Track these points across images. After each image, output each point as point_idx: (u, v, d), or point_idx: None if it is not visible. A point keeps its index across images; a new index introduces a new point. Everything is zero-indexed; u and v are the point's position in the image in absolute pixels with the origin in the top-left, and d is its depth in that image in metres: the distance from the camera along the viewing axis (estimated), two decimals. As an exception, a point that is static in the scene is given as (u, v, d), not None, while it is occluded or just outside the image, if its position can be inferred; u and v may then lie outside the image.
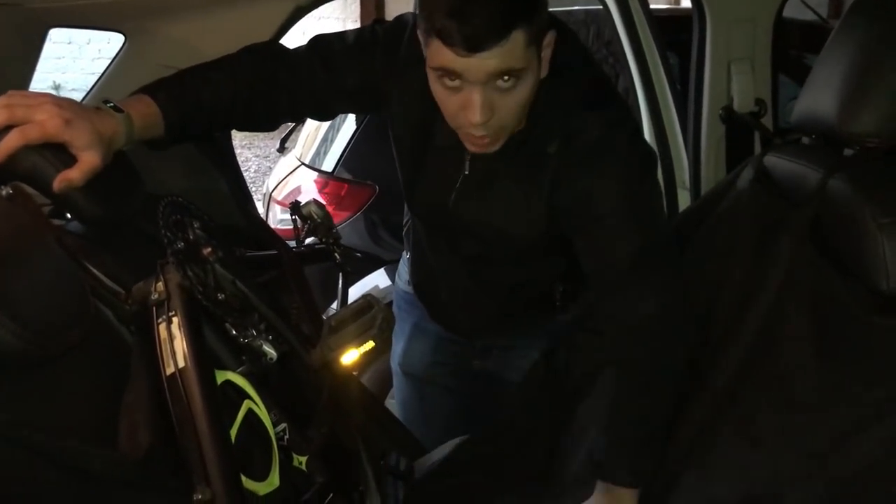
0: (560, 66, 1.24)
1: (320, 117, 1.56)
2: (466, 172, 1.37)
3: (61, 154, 1.08)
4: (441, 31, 1.09)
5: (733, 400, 1.36)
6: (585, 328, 1.57)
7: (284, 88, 1.35)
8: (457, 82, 1.15)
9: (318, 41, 1.38)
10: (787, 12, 2.01)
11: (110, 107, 1.15)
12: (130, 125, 1.16)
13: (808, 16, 3.77)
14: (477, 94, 1.14)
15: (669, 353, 1.36)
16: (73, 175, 1.07)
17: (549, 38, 1.20)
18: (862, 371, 1.19)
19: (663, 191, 2.21)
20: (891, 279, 1.17)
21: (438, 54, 1.13)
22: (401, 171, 1.48)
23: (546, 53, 1.20)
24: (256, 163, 7.59)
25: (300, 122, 1.44)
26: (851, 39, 1.32)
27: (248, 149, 8.05)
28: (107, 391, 1.00)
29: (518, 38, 1.10)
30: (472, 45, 1.09)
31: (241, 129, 1.44)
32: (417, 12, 1.17)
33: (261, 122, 1.40)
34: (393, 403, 2.21)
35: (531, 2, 1.13)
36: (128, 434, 0.95)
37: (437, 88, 1.19)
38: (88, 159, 1.08)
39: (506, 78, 1.14)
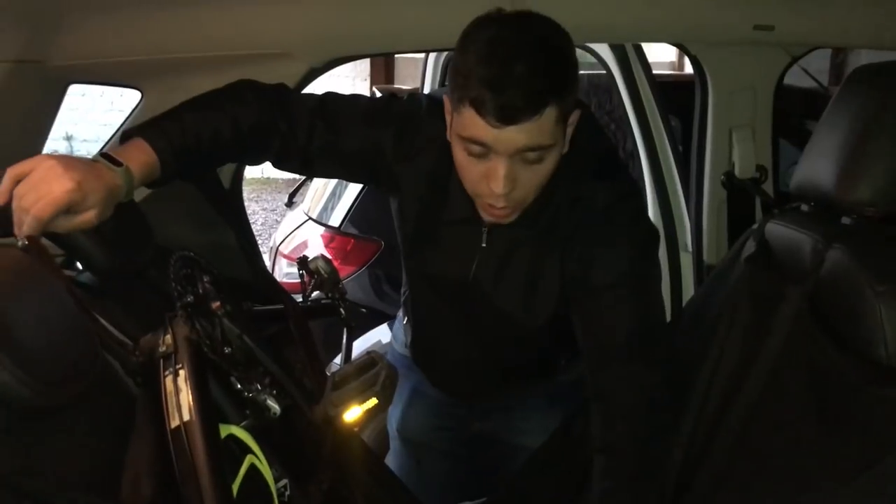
0: (574, 135, 1.25)
1: (301, 171, 1.52)
2: (484, 245, 1.37)
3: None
4: (475, 100, 1.10)
5: (731, 473, 1.36)
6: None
7: (279, 136, 1.33)
8: (483, 153, 1.15)
9: (328, 100, 1.37)
10: (789, 80, 2.06)
11: (108, 160, 1.15)
12: (130, 178, 1.16)
13: (809, 83, 3.84)
14: (502, 165, 1.14)
15: (653, 439, 1.34)
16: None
17: (575, 116, 1.20)
18: (861, 442, 1.19)
19: (666, 254, 2.24)
20: (889, 347, 1.17)
21: (470, 124, 1.13)
22: (405, 246, 1.48)
23: (569, 131, 1.21)
24: (263, 216, 7.65)
25: (281, 168, 1.42)
26: (849, 108, 1.34)
27: (256, 202, 8.12)
28: (111, 442, 1.00)
29: (550, 114, 1.11)
30: (507, 118, 1.09)
31: (229, 162, 1.44)
32: (449, 78, 1.17)
33: (244, 160, 1.43)
34: (390, 463, 2.19)
35: (565, 80, 1.13)
36: (131, 486, 0.95)
37: (460, 156, 1.19)
38: (87, 217, 1.10)
39: (532, 155, 1.14)
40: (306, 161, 1.38)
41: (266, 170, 9.53)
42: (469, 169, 1.19)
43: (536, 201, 1.26)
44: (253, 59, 1.53)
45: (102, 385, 1.06)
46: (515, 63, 1.08)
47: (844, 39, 1.81)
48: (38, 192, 1.06)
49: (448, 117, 1.21)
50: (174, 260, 1.17)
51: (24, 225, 1.06)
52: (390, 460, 1.98)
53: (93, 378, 1.00)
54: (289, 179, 7.59)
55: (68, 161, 1.10)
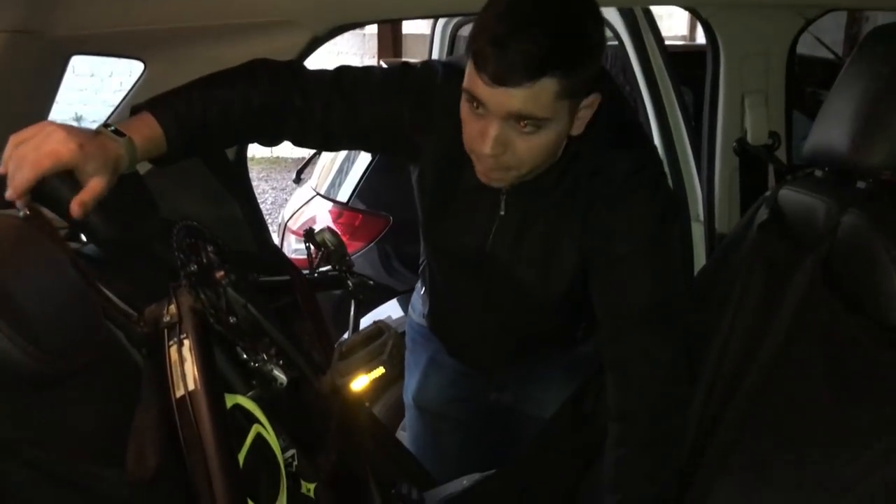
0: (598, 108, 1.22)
1: (321, 147, 1.52)
2: (502, 213, 1.36)
3: (74, 179, 1.09)
4: (476, 54, 1.09)
5: (744, 441, 1.35)
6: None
7: (296, 113, 1.32)
8: (480, 110, 1.14)
9: (342, 73, 1.35)
10: (803, 50, 2.02)
11: (112, 131, 1.14)
12: (132, 149, 1.15)
13: (824, 53, 3.80)
14: (494, 127, 1.13)
15: (669, 410, 1.34)
16: (87, 198, 1.07)
17: (592, 99, 1.18)
18: (876, 409, 1.17)
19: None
20: (905, 312, 1.16)
21: (470, 77, 1.12)
22: (423, 212, 1.46)
23: (584, 114, 1.18)
24: (273, 195, 7.65)
25: (301, 146, 1.41)
26: (864, 72, 1.32)
27: (265, 181, 8.12)
28: (116, 413, 1.00)
29: (548, 86, 1.08)
30: (499, 78, 1.08)
31: (239, 143, 1.42)
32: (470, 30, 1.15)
33: (261, 140, 1.38)
34: (404, 436, 2.19)
35: (574, 56, 1.10)
36: (136, 456, 0.94)
37: (464, 109, 1.19)
38: (96, 184, 1.08)
39: (523, 124, 1.12)
40: (325, 137, 1.37)
41: (275, 149, 9.55)
42: (468, 124, 1.19)
43: (553, 169, 1.24)
44: (256, 28, 1.51)
45: (107, 355, 1.05)
46: (525, 26, 1.07)
47: (859, 1, 1.77)
48: (39, 148, 1.04)
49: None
50: (177, 230, 1.16)
51: (17, 177, 1.03)
52: (406, 430, 1.97)
53: (97, 348, 0.99)
54: (298, 158, 7.58)
55: (71, 127, 1.09)
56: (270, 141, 1.39)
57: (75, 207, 1.07)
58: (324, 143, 1.42)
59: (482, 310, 1.56)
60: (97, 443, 0.96)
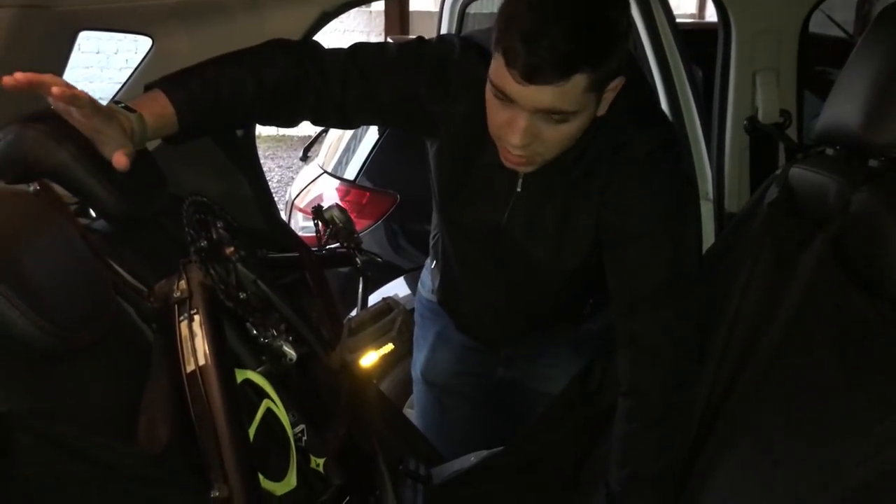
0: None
1: (341, 125, 1.52)
2: (519, 190, 1.36)
3: (82, 154, 1.09)
4: (507, 51, 1.08)
5: (754, 419, 1.35)
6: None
7: (314, 91, 1.32)
8: (507, 101, 1.13)
9: (358, 49, 1.35)
10: (814, 28, 2.00)
11: (122, 107, 1.15)
12: (143, 126, 1.16)
13: (836, 32, 3.76)
14: (523, 119, 1.13)
15: (680, 386, 1.35)
16: (121, 159, 1.10)
17: (617, 82, 1.17)
18: (885, 389, 1.17)
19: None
20: (917, 292, 1.15)
21: (499, 72, 1.11)
22: (439, 187, 1.46)
23: (609, 96, 1.18)
24: (279, 173, 7.64)
25: (320, 125, 1.41)
26: (877, 50, 1.30)
27: (272, 159, 8.11)
28: (127, 387, 1.01)
29: (578, 82, 1.08)
30: (531, 77, 1.07)
31: (257, 123, 1.43)
32: (497, 18, 1.13)
33: (279, 121, 1.39)
34: (411, 413, 2.20)
35: (604, 49, 1.09)
36: (147, 430, 0.95)
37: (490, 98, 1.18)
38: (122, 156, 1.10)
39: (555, 117, 1.12)
40: (345, 114, 1.37)
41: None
42: (494, 112, 1.18)
43: (573, 148, 1.24)
44: (264, 3, 1.50)
45: (118, 330, 1.06)
46: (555, 23, 1.05)
47: (874, -23, 1.76)
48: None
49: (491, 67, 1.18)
50: (187, 205, 1.16)
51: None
52: (414, 405, 1.98)
53: (107, 323, 1.00)
54: (304, 136, 7.56)
55: (103, 105, 1.11)
56: (288, 121, 1.39)
57: (118, 158, 1.09)
58: (343, 120, 1.42)
59: (494, 284, 1.57)
60: (109, 416, 0.97)
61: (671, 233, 1.29)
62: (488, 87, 1.16)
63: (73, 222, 1.17)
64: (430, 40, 1.38)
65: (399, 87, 1.33)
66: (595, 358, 1.66)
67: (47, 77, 1.03)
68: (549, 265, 1.43)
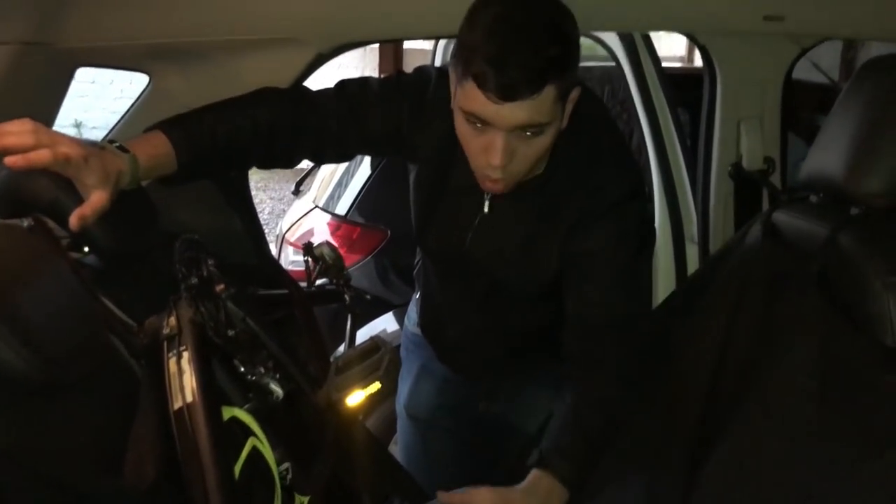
0: (581, 116, 1.27)
1: (340, 160, 1.59)
2: (486, 211, 1.39)
3: (76, 191, 1.10)
4: (478, 76, 1.12)
5: (735, 450, 1.35)
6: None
7: (311, 131, 1.37)
8: (481, 127, 1.17)
9: (345, 87, 1.40)
10: (799, 74, 2.04)
11: (116, 147, 1.16)
12: (135, 166, 1.17)
13: (820, 78, 3.82)
14: (500, 139, 1.16)
15: (629, 358, 1.38)
16: (87, 212, 1.09)
17: (575, 93, 1.22)
18: (867, 429, 1.18)
19: (672, 245, 2.24)
20: (898, 338, 1.17)
21: (471, 98, 1.15)
22: (415, 212, 1.50)
23: (569, 107, 1.23)
24: (271, 205, 7.65)
25: (320, 163, 1.46)
26: (860, 99, 1.33)
27: (263, 191, 8.12)
28: (115, 423, 1.01)
29: (550, 92, 1.13)
30: (507, 95, 1.11)
31: (256, 167, 1.46)
32: (454, 54, 1.19)
33: (277, 163, 1.42)
34: (397, 449, 2.20)
35: (566, 58, 1.15)
36: (134, 466, 0.96)
37: (462, 128, 1.22)
38: (98, 198, 1.10)
39: (529, 133, 1.17)
40: (342, 148, 1.43)
41: (274, 159, 9.51)
42: (469, 141, 1.22)
43: (541, 176, 1.30)
44: (261, 45, 1.52)
45: (107, 366, 1.06)
46: (518, 41, 1.10)
47: (854, 31, 1.80)
48: (55, 142, 1.05)
49: (453, 87, 1.22)
50: (179, 243, 1.17)
51: (39, 152, 1.02)
52: (398, 439, 1.98)
53: (97, 359, 1.00)
54: (296, 169, 7.56)
55: (78, 139, 1.11)
56: (287, 162, 1.43)
57: (74, 220, 1.08)
58: (341, 154, 1.49)
59: (469, 310, 1.59)
60: (97, 451, 0.97)
61: (628, 278, 1.35)
62: (460, 118, 1.20)
63: (65, 257, 1.18)
64: (409, 73, 1.43)
65: (384, 119, 1.37)
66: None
67: (10, 139, 1.02)
68: (514, 288, 1.47)
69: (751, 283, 1.45)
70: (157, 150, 1.22)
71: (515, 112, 1.13)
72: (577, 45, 1.18)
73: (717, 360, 1.45)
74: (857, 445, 1.15)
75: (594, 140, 1.32)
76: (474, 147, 1.21)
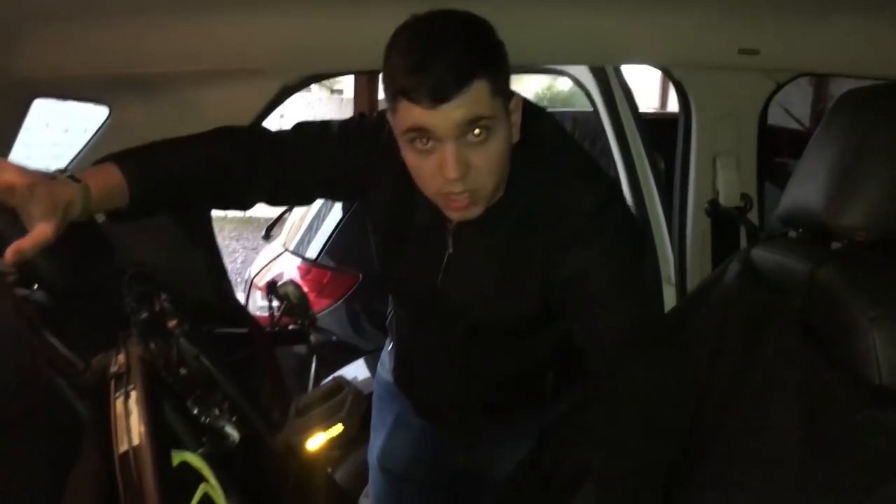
0: (538, 138, 1.25)
1: (297, 201, 1.54)
2: (450, 250, 1.34)
3: (20, 222, 1.05)
4: (405, 88, 1.10)
5: (718, 492, 1.30)
6: (579, 425, 1.51)
7: (267, 171, 1.33)
8: (429, 144, 1.14)
9: (303, 128, 1.37)
10: (772, 121, 2.04)
11: (67, 176, 1.12)
12: (87, 196, 1.13)
13: (792, 125, 3.88)
14: (449, 149, 1.12)
15: (656, 437, 1.29)
16: (26, 245, 1.04)
17: (516, 101, 1.20)
18: (854, 470, 1.13)
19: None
20: (883, 374, 1.13)
21: (406, 114, 1.12)
22: (379, 258, 1.44)
23: (515, 118, 1.20)
24: (244, 254, 7.60)
25: (275, 204, 1.41)
26: (837, 133, 1.32)
27: (237, 240, 8.08)
28: (52, 469, 0.94)
29: (481, 86, 1.11)
30: (437, 96, 1.08)
31: (209, 207, 1.42)
32: (382, 80, 1.17)
33: (232, 202, 1.38)
34: (367, 502, 2.11)
35: (490, 54, 1.14)
36: (70, 514, 0.88)
37: (410, 156, 1.18)
38: (41, 230, 1.05)
39: (476, 131, 1.13)
40: (299, 190, 1.40)
41: (248, 208, 9.52)
42: (421, 168, 1.18)
43: (499, 203, 1.24)
44: (225, 76, 1.50)
45: (46, 407, 1.00)
46: (436, 47, 1.09)
47: (829, 66, 1.79)
48: None
49: (394, 131, 1.20)
50: (128, 276, 1.12)
51: None
52: (369, 492, 1.90)
53: (34, 398, 0.93)
54: (269, 218, 7.56)
55: (24, 168, 1.06)
56: (241, 204, 1.39)
57: (10, 253, 1.03)
58: (297, 196, 1.44)
59: (442, 356, 1.52)
60: (30, 497, 0.90)
61: (630, 285, 1.27)
62: (406, 147, 1.17)
63: (7, 292, 1.11)
64: (370, 115, 1.41)
65: (341, 161, 1.35)
66: (543, 436, 1.60)
67: None
68: (495, 328, 1.41)
69: (729, 326, 1.41)
70: (109, 181, 1.18)
71: (451, 113, 1.10)
72: (499, 46, 1.16)
73: (694, 406, 1.40)
74: (846, 488, 1.10)
75: (554, 161, 1.28)
76: (426, 171, 1.17)
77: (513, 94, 1.20)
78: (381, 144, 1.32)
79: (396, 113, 1.14)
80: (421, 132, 1.13)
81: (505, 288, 1.33)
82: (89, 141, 1.60)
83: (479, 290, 1.35)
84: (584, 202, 1.26)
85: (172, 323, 1.11)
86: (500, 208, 1.26)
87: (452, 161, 1.13)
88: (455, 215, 1.23)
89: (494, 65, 1.13)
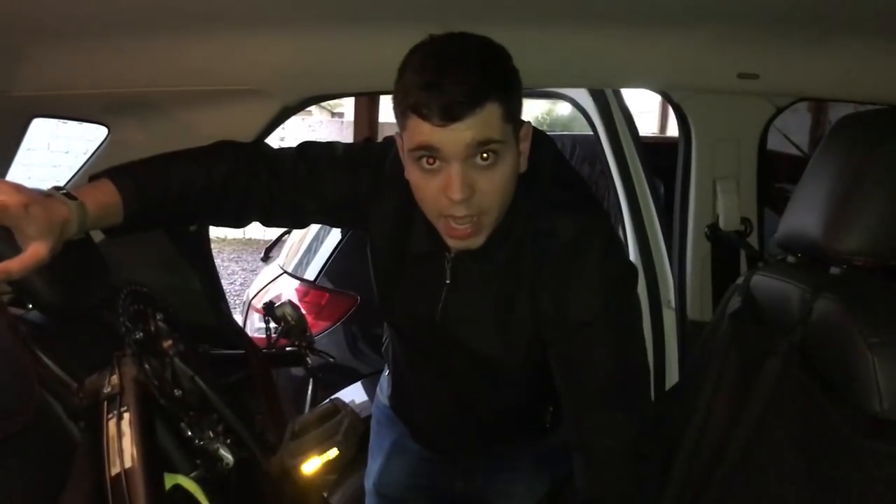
0: (537, 166, 1.23)
1: (292, 224, 1.51)
2: (448, 281, 1.32)
3: (14, 241, 1.04)
4: (416, 104, 1.09)
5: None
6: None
7: (265, 189, 1.32)
8: (435, 164, 1.12)
9: (306, 149, 1.36)
10: (770, 146, 2.04)
11: (63, 194, 1.11)
12: (83, 214, 1.12)
13: (792, 150, 3.88)
14: (456, 169, 1.11)
15: (637, 490, 1.27)
16: (14, 267, 1.03)
17: (526, 129, 1.19)
18: (851, 495, 1.12)
19: (648, 311, 2.19)
20: (884, 401, 1.11)
21: (416, 131, 1.11)
22: (378, 287, 1.42)
23: (524, 146, 1.19)
24: (243, 276, 7.58)
25: (270, 224, 1.39)
26: (835, 158, 1.31)
27: (236, 262, 8.07)
28: (43, 491, 0.93)
29: (493, 109, 1.10)
30: (449, 115, 1.07)
31: (205, 223, 1.40)
32: (393, 105, 1.16)
33: (228, 219, 1.37)
34: (363, 527, 2.08)
35: (505, 78, 1.13)
36: (59, 538, 0.87)
37: (415, 175, 1.16)
38: (35, 250, 1.04)
39: (484, 155, 1.11)
40: (295, 212, 1.37)
41: (247, 230, 9.53)
42: (425, 188, 1.16)
43: (496, 232, 1.22)
44: (224, 95, 1.49)
45: (39, 427, 0.98)
46: (451, 65, 1.09)
47: (829, 91, 1.79)
48: None
49: (402, 153, 1.19)
50: (124, 295, 1.11)
51: None
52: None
53: (26, 418, 0.92)
54: (269, 240, 7.55)
55: (20, 186, 1.05)
56: (237, 220, 1.38)
57: (1, 272, 1.02)
58: (293, 218, 1.41)
59: (443, 390, 1.50)
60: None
61: (611, 324, 1.24)
62: (412, 165, 1.16)
63: (1, 311, 1.10)
64: (377, 142, 1.39)
65: (343, 186, 1.33)
66: (565, 478, 1.58)
67: None
68: (493, 360, 1.37)
69: (728, 362, 1.40)
70: (106, 199, 1.17)
71: (462, 133, 1.09)
72: (514, 73, 1.15)
73: (695, 442, 1.39)
74: None
75: (543, 186, 1.26)
76: (430, 192, 1.15)
77: (523, 122, 1.19)
78: (385, 172, 1.31)
79: (406, 130, 1.13)
80: (429, 150, 1.11)
81: (506, 321, 1.31)
82: (88, 160, 1.59)
83: (479, 322, 1.33)
84: (560, 231, 1.24)
85: (167, 343, 1.11)
86: (498, 236, 1.23)
87: (458, 182, 1.11)
88: (457, 244, 1.21)
89: (508, 90, 1.13)
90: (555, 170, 1.30)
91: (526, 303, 1.28)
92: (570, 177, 1.35)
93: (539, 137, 1.26)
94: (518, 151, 1.18)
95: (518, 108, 1.16)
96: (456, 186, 1.11)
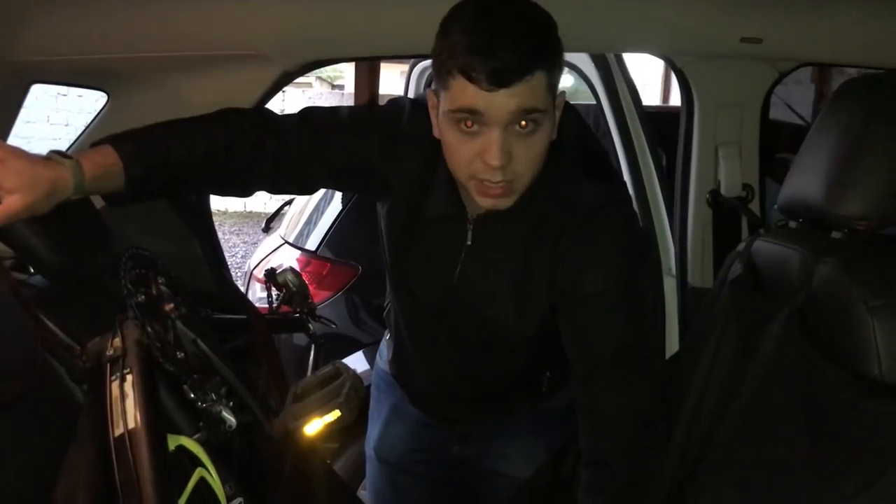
0: (562, 133, 1.22)
1: (298, 190, 1.49)
2: (469, 242, 1.32)
3: None
4: (465, 66, 1.08)
5: (721, 495, 1.29)
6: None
7: (270, 156, 1.30)
8: (474, 128, 1.12)
9: (310, 113, 1.34)
10: (773, 116, 2.03)
11: (60, 154, 1.12)
12: (80, 174, 1.12)
13: (795, 120, 3.86)
14: (496, 135, 1.11)
15: (643, 455, 1.29)
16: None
17: (561, 99, 1.19)
18: (857, 461, 1.13)
19: (650, 278, 2.19)
20: (883, 364, 1.11)
21: (460, 93, 1.10)
22: (390, 250, 1.42)
23: (558, 114, 1.19)
24: (244, 248, 7.57)
25: (276, 192, 1.38)
26: (837, 123, 1.31)
27: (237, 235, 8.06)
28: (48, 451, 0.94)
29: (540, 78, 1.10)
30: (499, 80, 1.07)
31: (209, 192, 1.39)
32: (433, 63, 1.15)
33: (232, 188, 1.36)
34: (364, 495, 2.10)
35: (553, 48, 1.13)
36: (65, 497, 0.88)
37: (451, 136, 1.15)
38: (9, 202, 1.04)
39: (524, 123, 1.11)
40: (301, 178, 1.37)
41: (248, 203, 9.51)
42: (461, 150, 1.15)
43: (522, 197, 1.22)
44: (224, 61, 1.48)
45: (43, 389, 0.99)
46: (502, 30, 1.08)
47: (832, 56, 1.78)
48: None
49: (433, 111, 1.18)
50: (126, 258, 1.11)
51: None
52: (367, 483, 1.89)
53: (31, 380, 0.93)
54: (271, 212, 7.55)
55: (4, 143, 1.07)
56: (242, 189, 1.37)
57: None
58: (300, 184, 1.41)
59: (446, 356, 1.51)
60: (24, 482, 0.89)
61: (625, 295, 1.26)
62: (449, 126, 1.15)
63: (4, 275, 1.11)
64: (381, 105, 1.38)
65: (352, 150, 1.32)
66: (567, 444, 1.59)
67: None
68: (506, 328, 1.38)
69: (728, 328, 1.40)
70: (104, 161, 1.17)
71: (508, 100, 1.08)
72: (559, 42, 1.15)
73: (694, 408, 1.40)
74: (849, 482, 1.10)
75: (572, 155, 1.27)
76: (466, 154, 1.15)
77: (561, 92, 1.19)
78: (399, 134, 1.30)
79: (447, 90, 1.12)
80: (472, 114, 1.11)
81: (523, 288, 1.32)
82: (88, 126, 1.59)
83: (497, 288, 1.33)
84: (588, 199, 1.25)
85: (169, 307, 1.11)
86: (523, 201, 1.23)
87: (497, 149, 1.11)
88: (487, 202, 1.20)
89: (555, 60, 1.13)
90: (579, 138, 1.30)
91: (545, 269, 1.29)
92: (593, 146, 1.36)
93: (566, 106, 1.25)
94: (554, 121, 1.18)
95: (558, 79, 1.17)
96: (495, 153, 1.11)
